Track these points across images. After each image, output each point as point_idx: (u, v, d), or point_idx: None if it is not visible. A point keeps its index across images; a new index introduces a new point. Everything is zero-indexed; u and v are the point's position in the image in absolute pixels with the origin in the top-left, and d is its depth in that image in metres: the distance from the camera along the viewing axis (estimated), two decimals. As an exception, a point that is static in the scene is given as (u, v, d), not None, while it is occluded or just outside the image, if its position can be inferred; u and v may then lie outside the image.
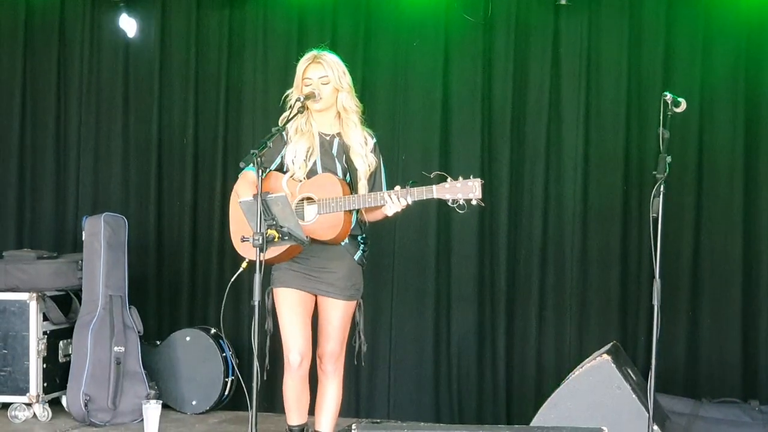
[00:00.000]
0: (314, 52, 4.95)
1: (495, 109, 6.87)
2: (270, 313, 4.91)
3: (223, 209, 6.75)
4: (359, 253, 4.96)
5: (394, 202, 4.74)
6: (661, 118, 4.80)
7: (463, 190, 4.70)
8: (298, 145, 4.90)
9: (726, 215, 6.59)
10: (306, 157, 4.89)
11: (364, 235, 5.00)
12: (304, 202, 4.84)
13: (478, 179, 4.71)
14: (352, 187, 4.90)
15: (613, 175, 6.70)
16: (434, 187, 4.73)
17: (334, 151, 4.93)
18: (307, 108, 4.91)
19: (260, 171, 4.49)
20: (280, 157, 4.93)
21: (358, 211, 4.90)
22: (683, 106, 4.82)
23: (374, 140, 5.00)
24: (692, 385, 6.51)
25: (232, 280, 4.77)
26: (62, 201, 7.54)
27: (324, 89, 4.88)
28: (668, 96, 4.81)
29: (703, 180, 6.61)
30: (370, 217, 4.96)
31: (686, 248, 6.58)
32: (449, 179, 4.72)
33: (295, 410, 4.98)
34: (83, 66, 7.49)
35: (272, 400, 6.56)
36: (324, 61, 4.91)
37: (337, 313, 4.93)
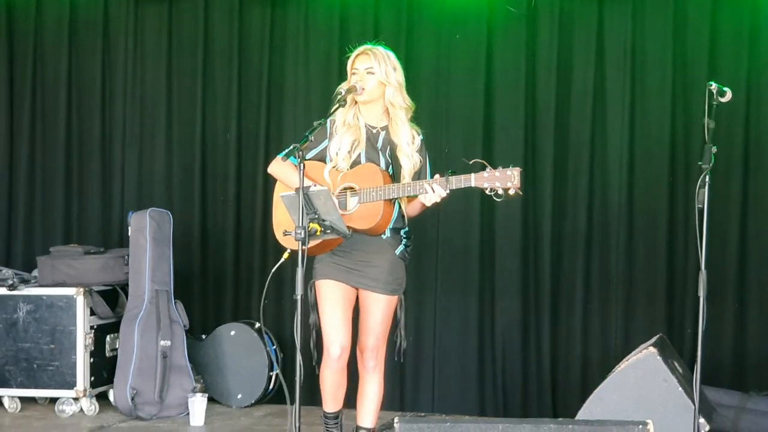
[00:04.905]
0: (367, 45, 4.93)
1: (538, 102, 6.84)
2: (314, 308, 4.92)
3: (266, 204, 6.78)
4: (401, 247, 4.94)
5: (433, 191, 4.70)
6: (706, 108, 4.74)
7: (501, 179, 4.63)
8: (344, 138, 4.89)
9: (773, 206, 6.52)
10: (351, 149, 4.88)
11: (407, 229, 4.97)
12: (347, 192, 4.84)
13: (518, 168, 4.63)
14: (394, 180, 4.87)
15: (659, 166, 6.64)
16: (473, 175, 4.67)
17: (379, 144, 4.92)
18: (355, 102, 4.91)
19: (302, 165, 4.49)
20: (319, 149, 4.93)
21: (400, 204, 4.89)
22: (728, 95, 4.75)
23: (421, 137, 4.96)
24: (739, 377, 6.44)
25: (273, 270, 4.75)
26: (108, 197, 7.59)
27: (368, 80, 4.85)
28: (713, 86, 4.74)
29: (749, 170, 6.53)
30: (410, 211, 4.94)
31: (732, 239, 6.51)
32: (488, 168, 4.66)
33: (331, 399, 5.01)
34: (127, 62, 7.53)
35: (317, 394, 6.55)
36: (373, 53, 4.87)
37: (379, 308, 4.92)
